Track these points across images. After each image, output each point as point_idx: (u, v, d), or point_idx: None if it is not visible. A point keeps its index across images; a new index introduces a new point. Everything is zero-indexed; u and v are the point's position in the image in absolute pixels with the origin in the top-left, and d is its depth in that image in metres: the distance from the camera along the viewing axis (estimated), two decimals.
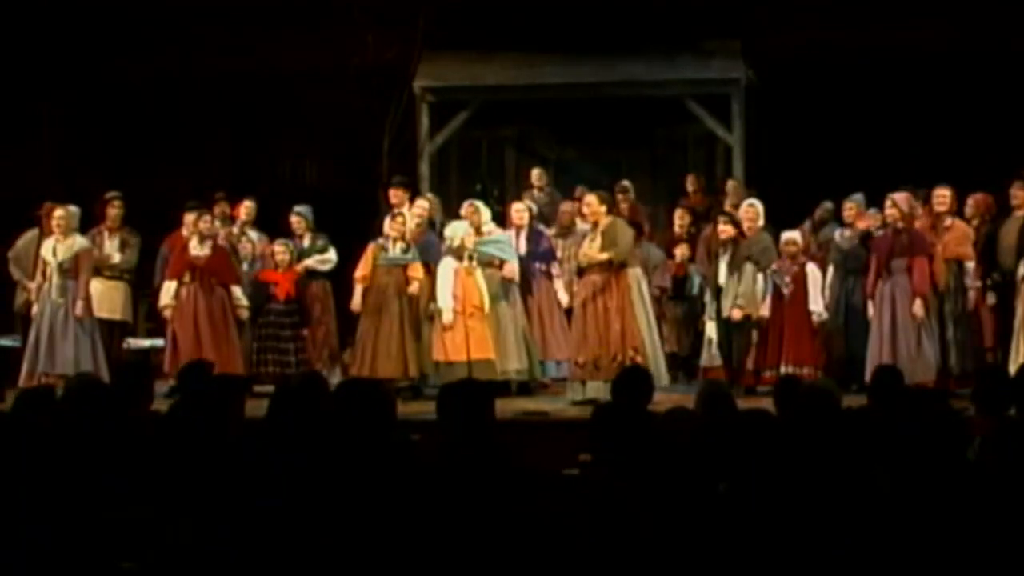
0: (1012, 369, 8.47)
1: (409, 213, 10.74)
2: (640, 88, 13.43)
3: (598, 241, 9.82)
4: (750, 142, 13.32)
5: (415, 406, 9.26)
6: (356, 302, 10.46)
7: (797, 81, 13.61)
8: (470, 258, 10.22)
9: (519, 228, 10.89)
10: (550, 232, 11.24)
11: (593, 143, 14.59)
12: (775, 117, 13.40)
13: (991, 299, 10.25)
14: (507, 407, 9.52)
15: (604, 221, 9.84)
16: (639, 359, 9.56)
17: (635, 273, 9.93)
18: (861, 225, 10.56)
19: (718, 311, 10.35)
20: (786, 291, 10.26)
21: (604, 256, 9.72)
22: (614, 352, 9.68)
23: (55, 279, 10.31)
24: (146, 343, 11.70)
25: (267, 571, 4.13)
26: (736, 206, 11.17)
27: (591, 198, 10.07)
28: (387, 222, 10.54)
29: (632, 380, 6.10)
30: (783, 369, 10.04)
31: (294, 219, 11.18)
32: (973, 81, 13.52)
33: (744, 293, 10.24)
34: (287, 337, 10.72)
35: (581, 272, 10.05)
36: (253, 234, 11.30)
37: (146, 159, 14.12)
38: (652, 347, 9.82)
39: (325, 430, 4.93)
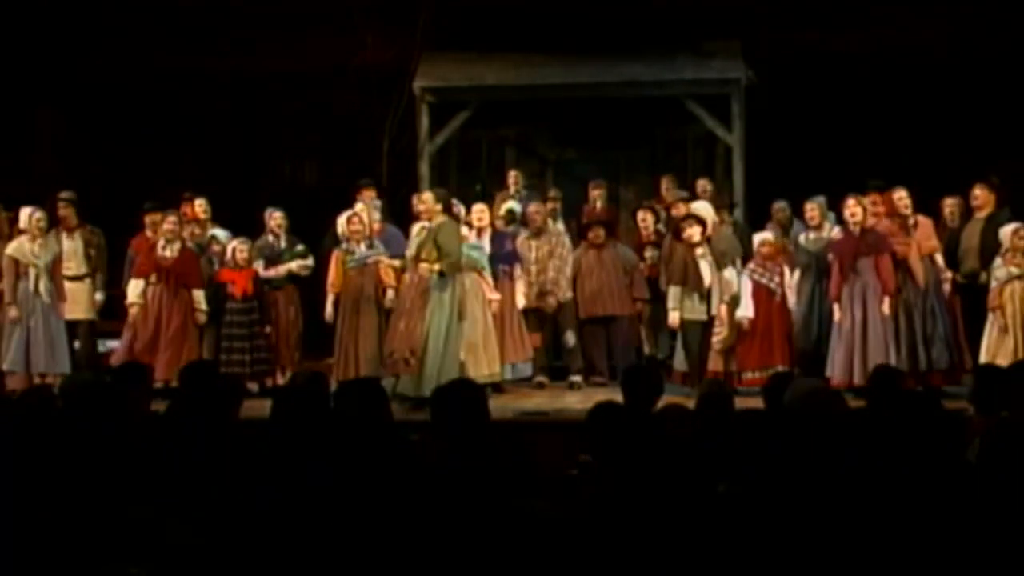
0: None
1: (364, 211, 10.74)
2: (640, 88, 13.39)
3: (423, 237, 9.78)
4: (750, 142, 13.29)
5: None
6: (328, 312, 10.45)
7: (797, 81, 13.62)
8: None
9: (480, 230, 10.75)
10: (524, 235, 11.15)
11: (593, 143, 14.57)
12: (775, 117, 13.39)
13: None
14: (506, 407, 9.54)
15: (437, 220, 9.74)
16: (412, 361, 9.50)
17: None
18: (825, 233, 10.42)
19: (707, 311, 10.16)
20: (776, 288, 10.16)
21: (438, 267, 9.57)
22: (391, 349, 9.65)
23: (43, 281, 10.37)
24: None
25: (267, 571, 4.13)
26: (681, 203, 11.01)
27: (427, 195, 10.05)
28: (343, 225, 10.50)
29: (641, 378, 6.05)
30: (756, 373, 9.93)
31: (277, 215, 11.18)
32: (972, 82, 13.53)
33: (728, 292, 10.12)
34: (243, 336, 10.68)
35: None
36: (220, 233, 11.22)
37: (145, 160, 14.12)
38: (436, 352, 9.60)
39: (325, 430, 4.94)
